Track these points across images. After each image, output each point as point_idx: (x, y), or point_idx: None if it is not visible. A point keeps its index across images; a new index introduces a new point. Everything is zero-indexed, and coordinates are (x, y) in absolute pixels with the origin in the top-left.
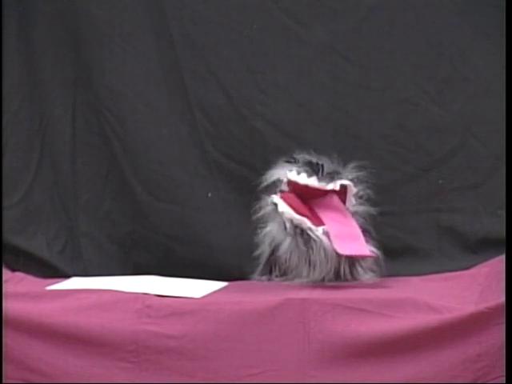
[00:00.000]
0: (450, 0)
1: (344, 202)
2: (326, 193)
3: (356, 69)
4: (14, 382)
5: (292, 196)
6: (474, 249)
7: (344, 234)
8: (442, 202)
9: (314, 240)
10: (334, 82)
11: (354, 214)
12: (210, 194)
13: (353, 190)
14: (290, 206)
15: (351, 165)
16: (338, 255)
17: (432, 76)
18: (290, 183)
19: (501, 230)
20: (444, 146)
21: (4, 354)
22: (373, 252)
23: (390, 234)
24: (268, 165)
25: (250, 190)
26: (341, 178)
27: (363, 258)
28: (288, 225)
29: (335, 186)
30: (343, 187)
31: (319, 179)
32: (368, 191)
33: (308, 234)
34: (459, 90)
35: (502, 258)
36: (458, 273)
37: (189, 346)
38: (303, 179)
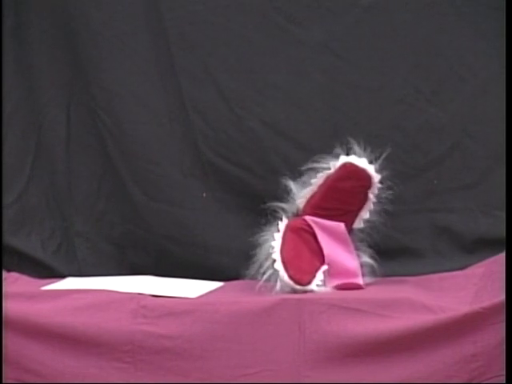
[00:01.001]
0: (446, 0)
1: (352, 222)
2: (366, 188)
3: (352, 69)
4: (9, 382)
5: (292, 239)
6: (470, 249)
7: (342, 273)
8: (437, 202)
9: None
10: (330, 82)
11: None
12: (205, 195)
13: (367, 214)
14: (287, 256)
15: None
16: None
17: (428, 76)
18: (344, 167)
19: (496, 230)
20: (440, 146)
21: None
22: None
23: (386, 234)
24: (264, 165)
25: (244, 191)
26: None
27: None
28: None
29: (374, 191)
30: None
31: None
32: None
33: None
34: (455, 90)
35: (498, 258)
36: (454, 273)
37: (184, 346)
38: (364, 163)
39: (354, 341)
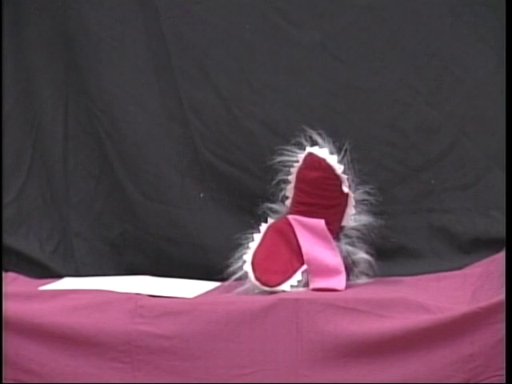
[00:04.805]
0: (443, 0)
1: (340, 220)
2: (334, 180)
3: (348, 69)
4: (7, 382)
5: (271, 239)
6: (467, 249)
7: (324, 271)
8: (434, 202)
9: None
10: (326, 83)
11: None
12: (202, 195)
13: (352, 209)
14: (259, 257)
15: (360, 189)
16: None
17: (424, 76)
18: (307, 159)
19: (493, 230)
20: (436, 146)
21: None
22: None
23: (383, 235)
24: (260, 165)
25: (242, 191)
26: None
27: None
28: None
29: (345, 184)
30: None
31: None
32: (368, 214)
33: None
34: (452, 90)
35: (495, 258)
36: (451, 273)
37: (181, 345)
38: (324, 153)
39: (352, 340)
